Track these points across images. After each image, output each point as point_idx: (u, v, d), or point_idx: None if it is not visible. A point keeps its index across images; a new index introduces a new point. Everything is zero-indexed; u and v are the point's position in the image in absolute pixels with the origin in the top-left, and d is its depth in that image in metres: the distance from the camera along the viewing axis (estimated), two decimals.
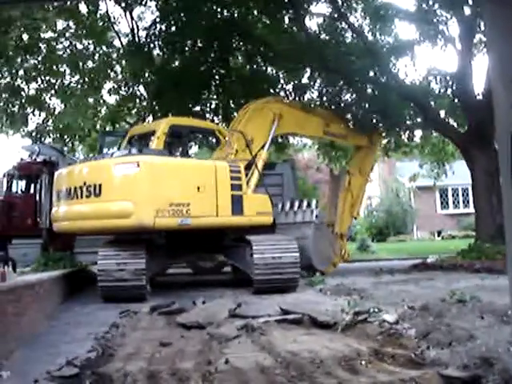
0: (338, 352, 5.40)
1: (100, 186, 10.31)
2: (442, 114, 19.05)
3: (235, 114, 20.70)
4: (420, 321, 6.47)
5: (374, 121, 17.16)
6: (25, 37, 16.40)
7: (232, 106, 20.39)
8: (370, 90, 18.23)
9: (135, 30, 20.51)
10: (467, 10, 16.85)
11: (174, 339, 6.47)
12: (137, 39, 20.36)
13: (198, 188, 10.81)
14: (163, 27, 18.09)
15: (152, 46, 18.79)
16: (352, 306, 7.38)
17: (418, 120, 18.82)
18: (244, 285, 11.58)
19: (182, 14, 17.65)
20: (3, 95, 18.50)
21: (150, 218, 10.18)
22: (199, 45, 19.00)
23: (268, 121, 13.78)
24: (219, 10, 18.32)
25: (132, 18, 20.22)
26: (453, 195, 38.16)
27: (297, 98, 20.65)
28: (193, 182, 10.87)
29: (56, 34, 18.79)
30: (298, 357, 5.26)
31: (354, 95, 18.36)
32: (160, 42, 18.57)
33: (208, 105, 20.46)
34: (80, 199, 10.65)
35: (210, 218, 11.02)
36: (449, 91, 18.19)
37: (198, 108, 19.80)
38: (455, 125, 19.12)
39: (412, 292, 9.73)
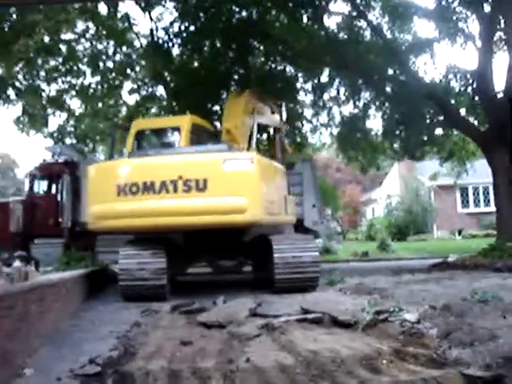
0: (359, 351, 5.38)
1: (205, 180, 10.10)
2: (463, 112, 18.92)
3: None
4: (441, 320, 6.44)
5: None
6: (46, 38, 16.56)
7: None
8: (389, 89, 18.16)
9: (154, 31, 20.62)
10: (487, 7, 16.72)
11: (195, 338, 6.49)
12: (156, 39, 20.45)
13: (276, 187, 11.35)
14: (182, 27, 18.16)
15: (171, 45, 18.88)
16: (372, 305, 7.35)
17: (439, 118, 18.70)
18: (264, 284, 11.58)
19: (200, 14, 17.71)
20: (25, 96, 18.68)
21: (261, 214, 10.34)
22: (218, 45, 19.04)
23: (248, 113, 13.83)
24: (237, 9, 18.34)
25: (151, 19, 20.31)
26: (473, 194, 37.84)
27: (316, 97, 20.69)
28: (274, 180, 11.40)
29: (76, 36, 18.95)
30: (319, 356, 5.26)
31: (374, 94, 18.32)
32: (179, 41, 18.65)
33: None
34: (173, 194, 10.18)
35: (280, 216, 11.49)
36: (469, 89, 18.06)
37: (217, 107, 19.86)
38: (475, 123, 18.97)
39: (433, 291, 9.65)
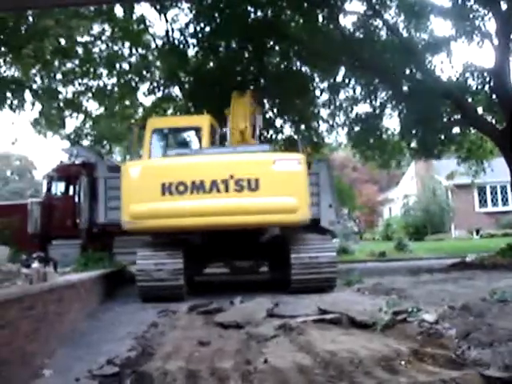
0: (377, 352, 5.36)
1: (257, 180, 10.25)
2: (480, 110, 18.78)
3: (270, 113, 20.82)
4: (460, 320, 6.39)
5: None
6: (62, 41, 16.68)
7: (267, 105, 20.42)
8: (405, 88, 18.07)
9: (170, 32, 20.68)
10: (504, 5, 16.58)
11: (213, 338, 6.50)
12: (171, 40, 20.51)
13: None
14: (197, 28, 18.19)
15: (187, 46, 18.92)
16: (391, 306, 7.33)
17: (456, 117, 18.58)
18: (281, 284, 11.57)
19: (215, 15, 17.73)
20: (42, 98, 18.81)
21: (308, 214, 10.67)
22: (233, 45, 19.05)
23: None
24: (253, 10, 18.35)
25: (166, 20, 20.38)
26: (491, 193, 37.54)
27: (332, 97, 20.64)
28: None
29: (92, 38, 19.05)
30: (337, 357, 5.24)
31: (390, 93, 18.25)
32: (194, 42, 18.69)
33: None
34: (224, 193, 10.27)
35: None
36: (486, 87, 17.92)
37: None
38: (493, 121, 18.83)
39: (451, 291, 9.59)
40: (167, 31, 20.47)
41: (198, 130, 13.03)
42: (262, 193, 10.25)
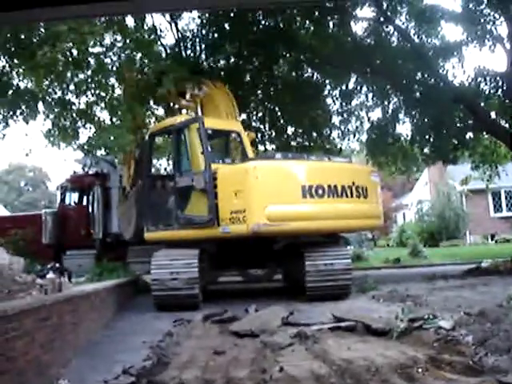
0: (394, 360, 5.33)
1: (366, 188, 11.26)
2: (493, 115, 18.66)
3: (282, 121, 20.80)
4: (477, 327, 6.34)
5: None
6: (74, 52, 16.77)
7: (278, 113, 20.40)
8: (417, 94, 18.00)
9: (181, 43, 20.74)
10: None
11: (228, 347, 6.49)
12: (183, 50, 20.56)
13: None
14: (208, 36, 18.20)
15: (197, 55, 18.89)
16: (406, 313, 7.28)
17: (469, 122, 18.47)
18: (295, 292, 11.54)
19: (226, 23, 17.78)
20: (55, 109, 18.90)
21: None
22: (244, 53, 19.04)
23: None
24: (263, 17, 18.36)
25: (178, 30, 20.45)
26: (506, 198, 37.24)
27: (344, 104, 20.61)
28: None
29: (104, 49, 19.15)
30: (353, 365, 5.22)
31: (402, 99, 18.19)
32: (204, 50, 18.67)
33: (255, 113, 20.50)
34: (348, 198, 10.89)
35: None
36: (499, 92, 17.81)
37: (244, 116, 19.87)
38: (506, 125, 18.70)
39: (468, 298, 9.54)
40: (178, 41, 20.54)
41: (237, 135, 13.13)
42: (370, 200, 11.41)
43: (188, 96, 13.78)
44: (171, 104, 15.80)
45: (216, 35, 18.01)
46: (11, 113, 16.09)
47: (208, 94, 13.95)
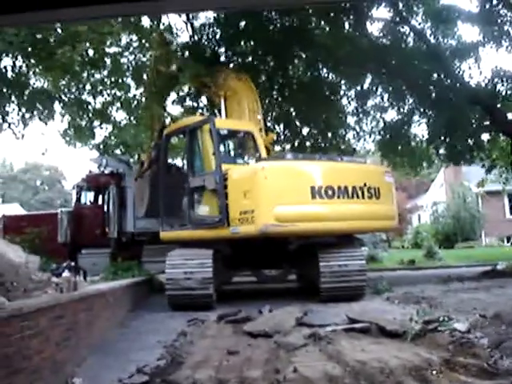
0: (408, 362, 5.30)
1: (378, 189, 11.11)
2: (510, 116, 18.52)
3: (297, 122, 20.78)
4: (492, 329, 6.31)
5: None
6: (90, 52, 16.85)
7: (293, 113, 20.38)
8: (433, 94, 17.91)
9: (198, 40, 20.75)
10: None
11: (242, 347, 6.49)
12: (197, 49, 20.55)
13: None
14: (223, 35, 18.19)
15: (213, 54, 18.88)
16: (421, 315, 7.25)
17: (485, 123, 18.35)
18: (309, 293, 11.52)
19: (241, 22, 17.76)
20: (71, 109, 19.01)
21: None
22: (259, 52, 19.00)
23: None
24: (278, 17, 18.33)
25: (193, 30, 20.50)
26: None
27: (359, 104, 20.55)
28: None
29: (120, 49, 19.22)
30: (367, 366, 5.20)
31: (418, 99, 18.10)
32: (220, 50, 18.66)
33: (269, 113, 20.48)
34: (361, 199, 10.79)
35: None
36: None
37: (259, 117, 19.86)
38: None
39: (483, 300, 9.48)
40: (193, 40, 20.57)
41: (251, 135, 12.97)
42: (382, 201, 11.19)
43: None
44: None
45: (232, 33, 17.95)
46: (29, 113, 16.20)
47: (231, 88, 13.99)
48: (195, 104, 21.07)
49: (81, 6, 2.09)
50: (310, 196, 10.23)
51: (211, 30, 18.33)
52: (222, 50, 18.54)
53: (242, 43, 18.35)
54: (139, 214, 14.90)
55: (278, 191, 10.20)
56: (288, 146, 20.57)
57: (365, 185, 10.83)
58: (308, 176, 10.62)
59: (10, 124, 15.69)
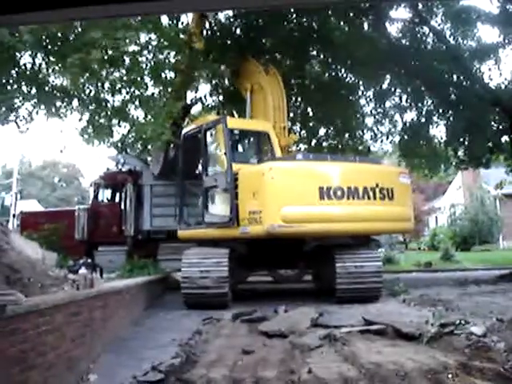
0: (424, 364, 5.27)
1: (392, 190, 10.97)
2: None
3: (313, 122, 20.72)
4: (509, 333, 6.24)
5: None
6: (109, 51, 16.91)
7: (311, 114, 20.33)
8: (452, 96, 17.79)
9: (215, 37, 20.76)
10: None
11: (257, 347, 6.49)
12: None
13: None
14: (240, 33, 18.16)
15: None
16: (437, 318, 7.19)
17: (505, 125, 18.19)
18: (325, 294, 11.49)
19: (259, 20, 17.73)
20: (90, 107, 19.10)
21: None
22: (276, 52, 18.96)
23: None
24: (296, 15, 18.28)
25: (211, 29, 20.52)
26: None
27: (378, 105, 20.45)
28: None
29: (139, 48, 19.27)
30: (383, 368, 5.17)
31: (437, 100, 17.98)
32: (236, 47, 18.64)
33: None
34: (371, 200, 10.69)
35: None
36: None
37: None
38: None
39: (500, 303, 9.39)
40: (211, 38, 20.58)
41: (267, 136, 12.88)
42: (396, 202, 11.00)
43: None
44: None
45: (250, 31, 17.92)
46: (47, 110, 16.28)
47: (258, 82, 13.98)
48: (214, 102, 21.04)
49: (100, 4, 2.09)
50: (318, 197, 10.20)
51: (231, 27, 18.31)
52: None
53: (261, 42, 18.28)
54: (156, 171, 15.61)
55: (285, 192, 10.21)
56: (304, 147, 20.51)
57: (377, 185, 10.73)
58: (316, 177, 10.57)
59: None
